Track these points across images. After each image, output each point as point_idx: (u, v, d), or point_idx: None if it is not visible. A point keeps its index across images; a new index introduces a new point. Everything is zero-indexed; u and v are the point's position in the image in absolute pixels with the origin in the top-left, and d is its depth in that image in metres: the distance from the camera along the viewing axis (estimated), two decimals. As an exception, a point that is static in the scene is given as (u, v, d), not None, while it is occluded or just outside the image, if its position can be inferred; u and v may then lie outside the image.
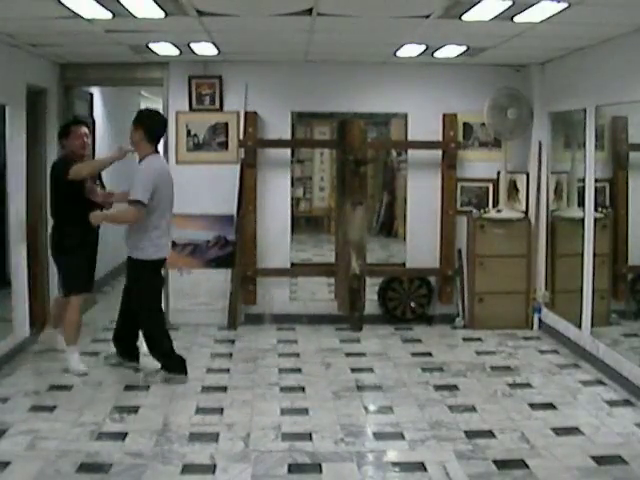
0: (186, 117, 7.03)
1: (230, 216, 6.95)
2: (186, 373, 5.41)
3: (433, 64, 6.82)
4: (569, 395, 5.16)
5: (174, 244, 7.03)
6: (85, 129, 5.76)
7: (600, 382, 5.41)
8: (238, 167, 6.89)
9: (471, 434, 4.42)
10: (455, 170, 7.05)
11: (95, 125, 8.04)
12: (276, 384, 5.37)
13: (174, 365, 5.40)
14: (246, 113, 6.91)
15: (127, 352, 5.68)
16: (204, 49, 6.19)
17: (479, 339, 6.66)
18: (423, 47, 6.04)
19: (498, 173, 7.08)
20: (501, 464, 4.00)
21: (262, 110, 6.98)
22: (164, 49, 6.17)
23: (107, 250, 8.66)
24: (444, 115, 7.01)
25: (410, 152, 7.29)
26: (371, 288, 7.17)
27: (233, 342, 6.51)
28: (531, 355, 6.19)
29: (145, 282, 5.45)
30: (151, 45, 6.02)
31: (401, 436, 4.42)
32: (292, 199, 7.59)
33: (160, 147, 7.17)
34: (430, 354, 6.20)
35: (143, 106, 11.15)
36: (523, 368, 5.79)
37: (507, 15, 4.60)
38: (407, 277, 7.20)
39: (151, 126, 5.31)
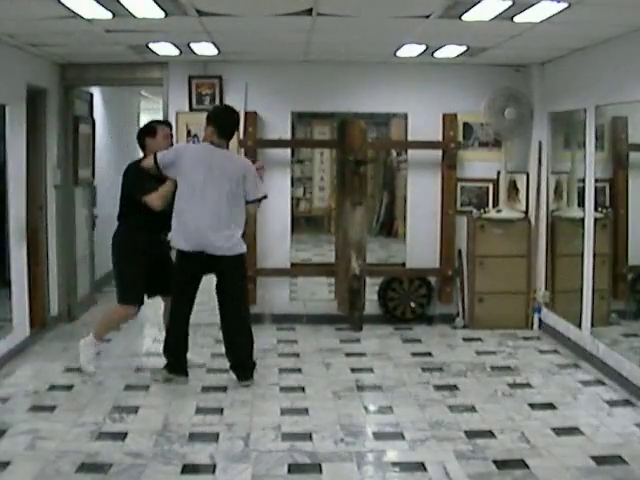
0: (186, 117, 7.02)
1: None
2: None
3: (433, 64, 6.82)
4: (569, 395, 5.16)
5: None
6: (170, 130, 5.61)
7: (600, 382, 5.41)
8: (238, 167, 6.89)
9: (471, 434, 4.42)
10: (455, 170, 7.05)
11: (95, 125, 8.04)
12: (276, 384, 5.37)
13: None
14: (246, 113, 6.90)
15: (181, 366, 5.42)
16: (204, 49, 6.19)
17: (479, 339, 6.66)
18: (423, 47, 6.04)
19: (498, 173, 7.08)
20: (501, 464, 4.00)
21: (262, 110, 6.98)
22: (164, 49, 6.17)
23: (107, 250, 8.68)
24: (444, 115, 7.01)
25: (410, 152, 7.29)
26: (371, 288, 7.17)
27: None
28: (531, 355, 6.19)
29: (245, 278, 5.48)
30: (151, 45, 6.02)
31: (401, 436, 4.42)
32: (292, 199, 7.59)
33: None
34: (430, 354, 6.20)
35: (143, 106, 11.19)
36: (523, 368, 5.79)
37: (507, 15, 4.60)
38: (407, 277, 7.20)
39: (221, 123, 5.20)
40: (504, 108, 6.85)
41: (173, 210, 5.15)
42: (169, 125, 5.76)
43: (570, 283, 6.23)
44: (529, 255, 6.97)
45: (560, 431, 4.47)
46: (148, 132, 5.48)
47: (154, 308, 7.69)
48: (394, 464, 4.05)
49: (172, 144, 5.52)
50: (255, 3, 4.54)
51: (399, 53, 6.33)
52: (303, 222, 12.77)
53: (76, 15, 4.63)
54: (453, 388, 5.30)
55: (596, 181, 5.88)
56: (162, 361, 5.48)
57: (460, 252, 7.17)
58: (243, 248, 5.24)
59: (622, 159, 6.54)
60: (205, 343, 6.50)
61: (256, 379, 5.42)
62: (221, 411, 4.81)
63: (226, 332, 5.36)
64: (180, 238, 5.17)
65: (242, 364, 5.32)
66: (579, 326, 6.01)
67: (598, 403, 4.98)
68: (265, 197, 5.37)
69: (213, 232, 5.09)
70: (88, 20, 4.82)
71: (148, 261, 5.38)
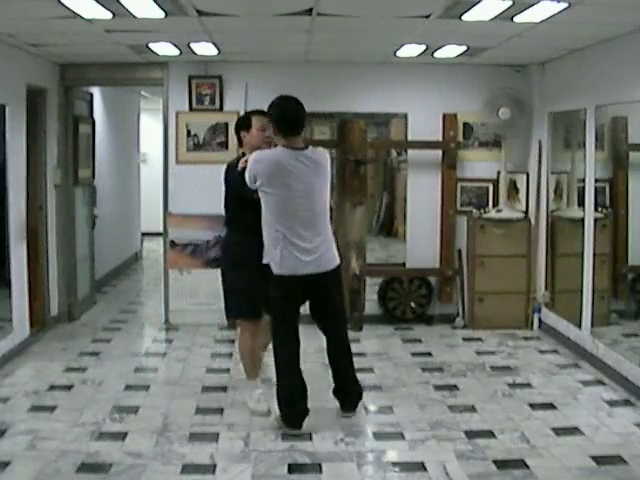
0: (186, 117, 7.03)
1: (230, 216, 6.94)
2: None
3: (433, 64, 6.83)
4: (569, 395, 5.16)
5: (174, 244, 7.06)
6: (266, 120, 4.71)
7: (600, 382, 5.41)
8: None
9: (471, 434, 4.42)
10: (455, 170, 7.06)
11: (95, 125, 8.04)
12: (276, 384, 5.36)
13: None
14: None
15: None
16: (204, 49, 6.19)
17: (479, 339, 6.66)
18: (423, 47, 6.04)
19: (498, 173, 7.08)
20: (501, 464, 4.00)
21: (262, 110, 6.97)
22: (164, 49, 6.17)
23: (107, 250, 8.69)
24: (444, 115, 7.02)
25: (410, 152, 7.29)
26: (371, 288, 7.17)
27: (233, 342, 6.50)
28: (531, 355, 6.19)
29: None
30: (151, 45, 6.02)
31: (401, 436, 4.42)
32: (292, 199, 7.57)
33: (159, 147, 7.26)
34: (430, 354, 6.20)
35: (143, 106, 11.18)
36: (523, 368, 5.79)
37: (507, 15, 4.60)
38: (407, 277, 7.20)
39: (277, 115, 4.50)
40: (499, 108, 6.85)
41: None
42: (265, 114, 4.76)
43: (570, 283, 6.23)
44: (529, 255, 6.97)
45: (560, 431, 4.47)
46: (242, 124, 4.88)
47: (154, 308, 7.71)
48: (394, 464, 4.06)
49: (269, 138, 4.68)
50: (255, 3, 4.55)
51: (399, 53, 6.33)
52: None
53: (76, 15, 4.63)
54: (453, 388, 5.30)
55: (596, 181, 5.88)
56: (162, 361, 5.49)
57: (460, 252, 7.17)
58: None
59: (622, 159, 6.54)
60: (205, 343, 6.51)
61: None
62: (221, 411, 4.81)
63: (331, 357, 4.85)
64: None
65: (349, 391, 4.82)
66: (579, 326, 6.01)
67: (598, 403, 4.98)
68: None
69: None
70: (88, 20, 4.82)
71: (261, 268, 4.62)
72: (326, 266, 4.55)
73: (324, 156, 4.61)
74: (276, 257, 4.43)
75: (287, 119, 4.47)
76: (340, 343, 4.80)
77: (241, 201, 4.64)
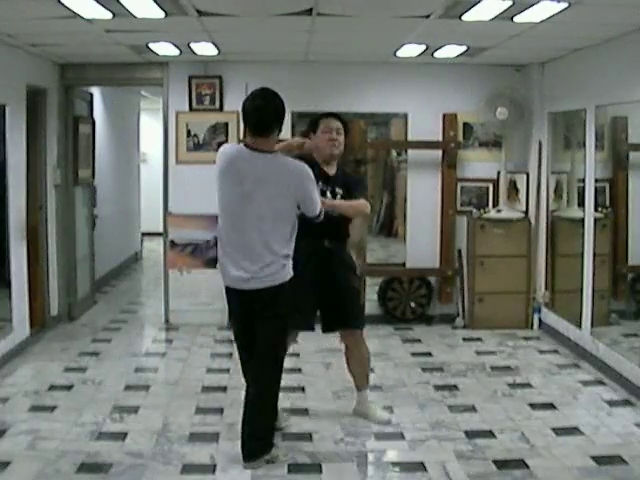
0: (186, 117, 7.03)
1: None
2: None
3: (433, 64, 6.82)
4: (569, 395, 5.16)
5: (174, 244, 7.06)
6: (337, 124, 4.48)
7: (600, 382, 5.41)
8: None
9: (471, 434, 4.42)
10: (455, 170, 7.05)
11: (95, 125, 8.04)
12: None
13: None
14: (246, 113, 6.89)
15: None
16: (204, 49, 6.19)
17: (479, 339, 6.65)
18: (423, 47, 6.04)
19: (498, 173, 7.08)
20: (501, 464, 4.00)
21: (262, 110, 6.96)
22: (164, 49, 6.17)
23: (107, 250, 8.69)
24: (444, 115, 7.02)
25: (410, 152, 7.29)
26: (371, 288, 7.17)
27: (233, 342, 6.49)
28: (531, 355, 6.19)
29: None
30: (151, 45, 6.02)
31: (401, 436, 4.42)
32: (292, 199, 7.58)
33: (159, 147, 7.25)
34: (430, 354, 6.20)
35: (143, 106, 11.17)
36: (523, 368, 5.79)
37: (507, 15, 4.60)
38: (407, 277, 7.20)
39: (242, 110, 4.06)
40: (496, 108, 6.84)
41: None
42: (335, 116, 4.54)
43: (570, 283, 6.23)
44: (529, 255, 6.97)
45: (560, 431, 4.47)
46: (310, 127, 4.62)
47: (154, 308, 7.71)
48: (394, 464, 4.06)
49: (336, 141, 4.45)
50: (255, 3, 4.54)
51: (399, 53, 6.33)
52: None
53: (76, 15, 4.63)
54: (453, 388, 5.30)
55: (596, 181, 5.88)
56: (162, 361, 5.48)
57: (460, 252, 7.17)
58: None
59: (622, 159, 6.54)
60: (205, 343, 6.51)
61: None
62: (221, 411, 4.81)
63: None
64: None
65: (242, 439, 4.02)
66: (579, 326, 6.01)
67: (598, 403, 4.98)
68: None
69: None
70: (88, 20, 4.82)
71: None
72: (257, 284, 3.90)
73: (297, 169, 3.91)
74: (219, 262, 4.10)
75: (248, 116, 3.95)
76: (253, 395, 4.04)
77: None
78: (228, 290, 4.05)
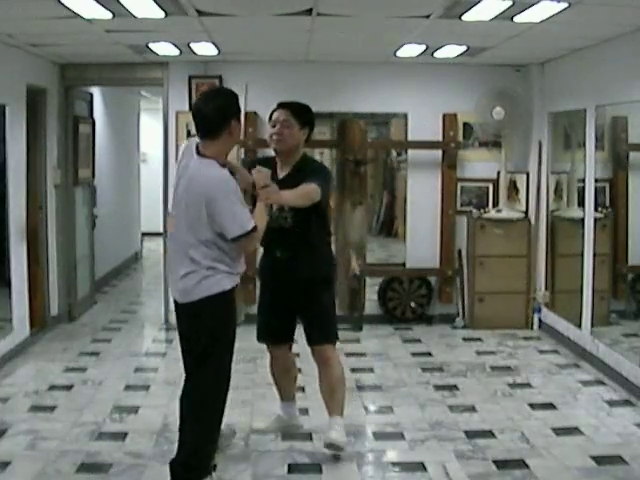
0: (186, 117, 7.00)
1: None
2: None
3: (433, 64, 6.82)
4: (569, 395, 5.16)
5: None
6: (284, 115, 4.04)
7: (600, 382, 5.41)
8: (238, 167, 6.88)
9: (471, 434, 4.42)
10: (455, 170, 7.05)
11: (95, 125, 8.04)
12: (276, 384, 5.36)
13: None
14: (246, 113, 6.90)
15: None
16: (204, 49, 6.19)
17: (479, 339, 6.65)
18: (423, 47, 6.04)
19: (498, 173, 7.08)
20: (501, 464, 4.00)
21: (262, 110, 6.96)
22: (164, 49, 6.17)
23: (107, 250, 8.69)
24: (444, 115, 7.01)
25: (410, 152, 7.29)
26: (371, 288, 7.17)
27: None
28: (531, 355, 6.19)
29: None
30: (151, 45, 6.02)
31: (401, 436, 4.42)
32: (292, 199, 7.57)
33: (159, 147, 7.25)
34: (430, 354, 6.20)
35: (143, 106, 11.18)
36: (523, 368, 5.79)
37: (507, 15, 4.60)
38: (407, 277, 7.20)
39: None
40: (493, 108, 6.84)
41: None
42: (288, 106, 4.13)
43: (570, 283, 6.23)
44: (529, 255, 6.97)
45: (560, 431, 4.47)
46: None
47: (154, 308, 7.71)
48: (394, 464, 4.06)
49: (280, 135, 4.04)
50: (255, 3, 4.54)
51: (399, 53, 6.33)
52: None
53: (76, 15, 4.63)
54: (453, 388, 5.30)
55: (596, 181, 5.88)
56: (162, 361, 5.48)
57: (460, 252, 7.17)
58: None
59: (622, 159, 6.54)
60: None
61: (256, 379, 5.41)
62: (221, 411, 4.80)
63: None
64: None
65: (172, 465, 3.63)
66: (579, 326, 6.01)
67: (598, 403, 4.98)
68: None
69: None
70: (88, 20, 4.82)
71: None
72: (184, 296, 3.58)
73: (210, 183, 3.43)
74: None
75: (193, 116, 3.61)
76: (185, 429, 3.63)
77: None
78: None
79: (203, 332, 3.55)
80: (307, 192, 3.84)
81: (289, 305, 4.14)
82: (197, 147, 3.55)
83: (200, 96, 3.82)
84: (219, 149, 3.55)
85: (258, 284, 4.68)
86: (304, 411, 4.80)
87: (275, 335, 4.25)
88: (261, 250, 4.22)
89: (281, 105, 4.14)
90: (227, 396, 3.73)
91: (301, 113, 4.07)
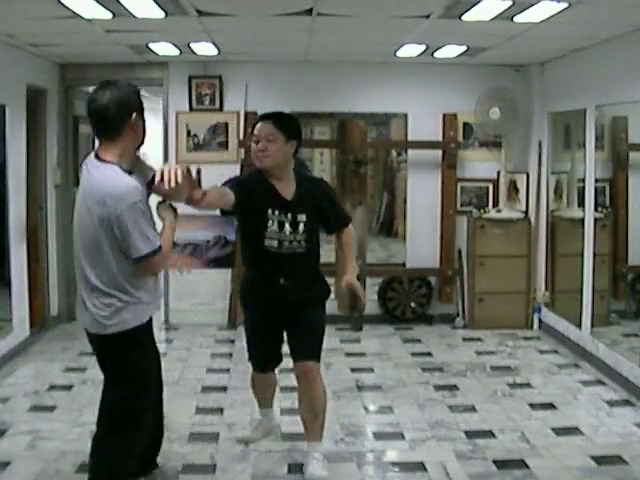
0: (186, 117, 7.03)
1: (230, 216, 6.94)
2: None
3: (433, 64, 6.82)
4: (569, 395, 5.16)
5: (174, 244, 7.03)
6: (268, 128, 3.66)
7: (600, 382, 5.41)
8: (238, 167, 6.88)
9: (471, 434, 4.42)
10: (455, 170, 7.05)
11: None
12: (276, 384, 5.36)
13: None
14: (246, 113, 6.91)
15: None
16: (204, 49, 6.19)
17: (479, 339, 6.65)
18: (423, 47, 6.04)
19: (498, 173, 7.08)
20: (501, 464, 4.00)
21: (262, 110, 6.88)
22: (164, 49, 6.17)
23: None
24: (444, 115, 7.02)
25: (410, 152, 7.29)
26: (371, 288, 7.17)
27: (233, 342, 6.50)
28: (531, 355, 6.19)
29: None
30: (151, 45, 6.02)
31: (401, 436, 4.42)
32: (292, 199, 7.58)
33: (159, 147, 7.25)
34: (430, 354, 6.20)
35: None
36: (523, 368, 5.79)
37: (507, 15, 4.60)
38: (407, 277, 7.20)
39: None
40: (489, 108, 6.84)
41: None
42: (273, 118, 3.74)
43: (570, 283, 6.23)
44: (529, 255, 6.97)
45: (560, 431, 4.47)
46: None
47: (154, 308, 7.70)
48: (394, 464, 4.06)
49: (263, 152, 3.64)
50: (255, 3, 4.54)
51: (399, 53, 6.33)
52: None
53: (76, 15, 4.63)
54: (453, 388, 5.30)
55: (596, 181, 5.88)
56: (162, 361, 5.46)
57: (460, 252, 7.17)
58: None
59: (622, 159, 6.54)
60: (205, 343, 6.51)
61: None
62: (221, 411, 4.81)
63: None
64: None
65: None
66: (579, 326, 6.01)
67: (598, 403, 4.98)
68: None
69: None
70: (88, 20, 4.82)
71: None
72: (92, 327, 3.13)
73: (116, 191, 2.92)
74: None
75: (88, 112, 3.17)
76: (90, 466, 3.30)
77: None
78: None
79: (119, 371, 3.20)
80: (353, 237, 4.02)
81: (280, 328, 3.86)
82: (96, 152, 3.07)
83: (94, 89, 3.17)
84: (121, 151, 3.01)
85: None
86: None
87: (270, 362, 4.02)
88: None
89: (263, 117, 3.75)
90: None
91: (286, 124, 3.68)
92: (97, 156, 3.03)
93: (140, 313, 3.13)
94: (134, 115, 3.00)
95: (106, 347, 3.15)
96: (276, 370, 4.14)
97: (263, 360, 4.01)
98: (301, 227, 3.67)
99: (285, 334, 3.89)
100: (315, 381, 3.78)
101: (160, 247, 3.09)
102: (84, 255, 3.04)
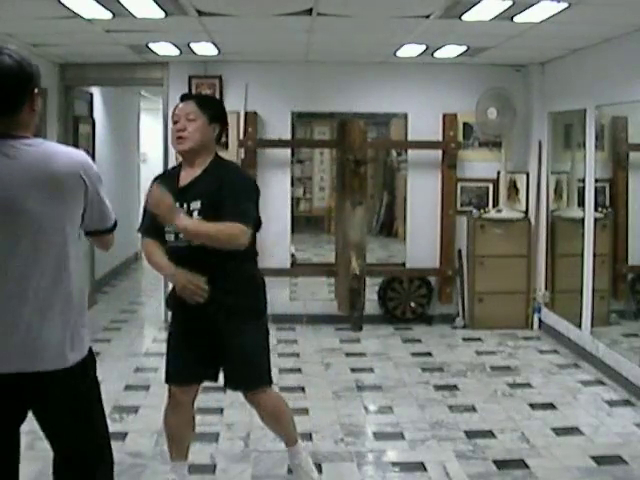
0: (186, 117, 7.02)
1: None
2: None
3: (433, 64, 6.82)
4: (569, 395, 5.16)
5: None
6: (189, 107, 3.30)
7: (600, 382, 5.41)
8: (238, 167, 6.89)
9: (471, 434, 4.42)
10: (455, 170, 7.05)
11: (95, 125, 8.03)
12: (276, 384, 5.34)
13: None
14: (246, 113, 6.91)
15: None
16: (204, 49, 6.19)
17: (479, 339, 6.65)
18: (423, 47, 6.04)
19: (498, 173, 7.08)
20: (501, 464, 4.00)
21: (262, 110, 6.98)
22: (164, 49, 6.17)
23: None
24: (444, 115, 7.01)
25: (410, 152, 7.29)
26: (371, 288, 7.17)
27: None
28: (531, 355, 6.19)
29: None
30: (151, 45, 6.02)
31: (401, 436, 4.42)
32: (292, 199, 7.59)
33: (159, 147, 7.25)
34: (430, 354, 6.20)
35: (143, 106, 11.18)
36: (523, 368, 5.79)
37: (507, 15, 4.60)
38: (407, 277, 7.20)
39: None
40: (487, 108, 6.84)
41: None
42: (196, 97, 3.68)
43: (570, 283, 6.23)
44: (529, 255, 6.97)
45: (560, 431, 4.47)
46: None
47: (154, 308, 7.71)
48: (394, 464, 4.05)
49: (182, 131, 3.28)
50: (255, 3, 4.54)
51: (399, 53, 6.33)
52: (303, 222, 12.77)
53: (76, 15, 4.63)
54: (453, 388, 5.30)
55: (596, 181, 5.88)
56: (162, 361, 5.46)
57: (460, 252, 7.17)
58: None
59: (622, 159, 6.54)
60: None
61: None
62: (221, 411, 4.81)
63: None
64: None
65: None
66: (579, 326, 6.01)
67: (598, 403, 4.98)
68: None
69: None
70: (88, 20, 4.82)
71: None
72: (39, 362, 2.30)
73: (69, 154, 2.47)
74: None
75: None
76: None
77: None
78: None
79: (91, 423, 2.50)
80: (231, 234, 3.10)
81: (205, 338, 3.34)
82: None
83: None
84: (21, 126, 2.34)
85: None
86: (304, 411, 4.81)
87: (184, 373, 3.41)
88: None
89: (184, 97, 3.45)
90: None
91: (208, 105, 3.35)
92: None
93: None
94: (34, 91, 2.41)
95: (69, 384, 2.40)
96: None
97: (179, 368, 3.43)
98: (195, 216, 3.18)
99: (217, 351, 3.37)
100: (262, 403, 3.46)
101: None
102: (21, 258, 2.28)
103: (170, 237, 3.30)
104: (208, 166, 3.31)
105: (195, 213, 3.20)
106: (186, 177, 3.31)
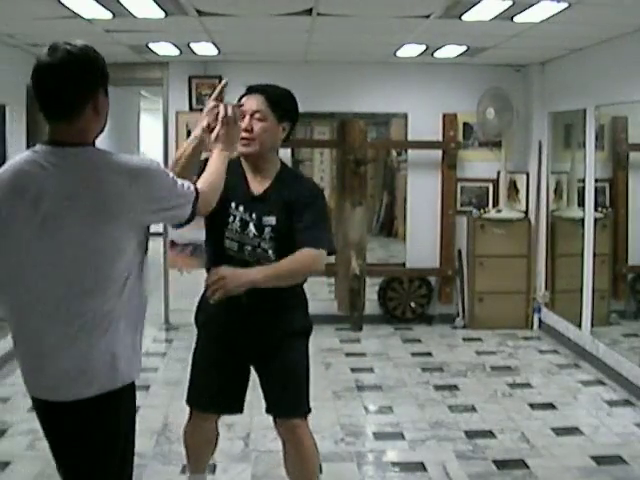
0: (186, 117, 7.02)
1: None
2: None
3: (433, 64, 6.82)
4: (569, 395, 5.16)
5: (174, 244, 7.06)
6: (256, 102, 3.10)
7: (600, 382, 5.41)
8: (238, 167, 6.88)
9: (471, 434, 4.42)
10: (455, 170, 7.05)
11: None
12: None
13: None
14: (246, 113, 6.90)
15: None
16: (204, 49, 6.19)
17: (479, 339, 6.65)
18: (423, 47, 6.04)
19: (498, 173, 7.08)
20: (501, 464, 4.00)
21: (262, 110, 6.97)
22: (164, 49, 6.17)
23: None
24: (444, 115, 7.01)
25: (410, 152, 7.29)
26: (371, 288, 7.17)
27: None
28: (531, 355, 6.19)
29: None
30: (151, 45, 6.02)
31: (401, 436, 4.42)
32: (292, 199, 7.58)
33: (160, 147, 7.25)
34: (430, 354, 6.20)
35: (143, 106, 11.19)
36: (523, 368, 5.79)
37: (507, 15, 4.60)
38: (407, 277, 7.20)
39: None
40: (486, 108, 6.85)
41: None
42: (262, 91, 3.19)
43: (570, 283, 6.23)
44: (529, 255, 6.97)
45: (560, 431, 4.47)
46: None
47: (154, 308, 7.70)
48: (394, 464, 4.06)
49: (263, 133, 2.99)
50: (255, 3, 4.54)
51: (399, 53, 6.33)
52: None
53: (76, 15, 4.63)
54: (453, 388, 5.30)
55: (596, 181, 5.88)
56: (162, 361, 5.47)
57: (460, 252, 7.17)
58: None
59: (622, 159, 6.55)
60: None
61: (255, 379, 5.39)
62: (221, 411, 4.81)
63: None
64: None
65: None
66: (579, 326, 6.01)
67: (598, 403, 4.98)
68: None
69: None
70: (88, 20, 4.82)
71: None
72: (68, 392, 2.15)
73: (133, 161, 2.35)
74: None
75: (34, 87, 2.14)
76: None
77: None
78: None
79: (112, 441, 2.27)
80: (304, 266, 2.82)
81: (244, 362, 3.05)
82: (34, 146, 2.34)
83: (43, 56, 2.08)
84: (81, 134, 2.17)
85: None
86: (304, 411, 4.81)
87: (207, 402, 3.07)
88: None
89: (252, 89, 3.05)
90: None
91: (280, 101, 2.98)
92: (50, 142, 2.27)
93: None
94: (100, 93, 2.17)
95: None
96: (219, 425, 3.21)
97: (208, 394, 3.03)
98: (267, 232, 2.86)
99: (257, 374, 3.07)
100: (303, 441, 3.00)
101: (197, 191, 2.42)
102: (88, 289, 2.10)
103: (232, 245, 2.92)
104: (280, 175, 2.97)
105: (267, 229, 2.85)
106: (255, 184, 2.94)
